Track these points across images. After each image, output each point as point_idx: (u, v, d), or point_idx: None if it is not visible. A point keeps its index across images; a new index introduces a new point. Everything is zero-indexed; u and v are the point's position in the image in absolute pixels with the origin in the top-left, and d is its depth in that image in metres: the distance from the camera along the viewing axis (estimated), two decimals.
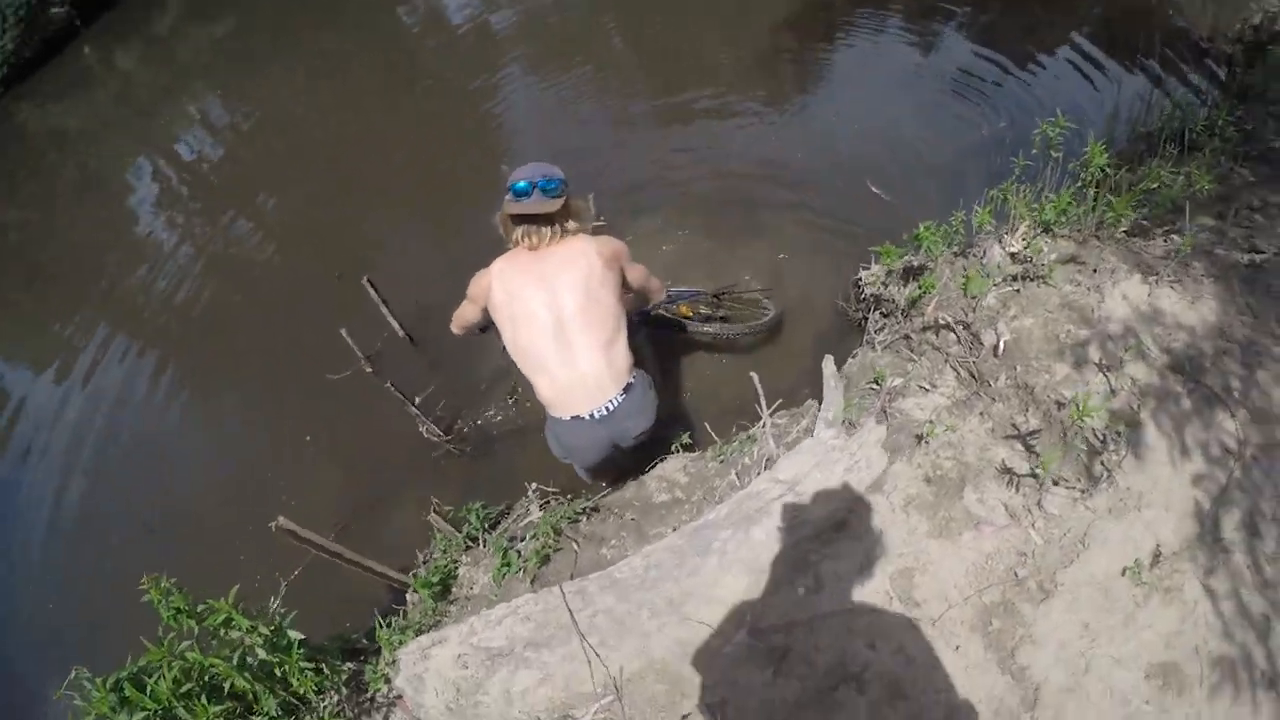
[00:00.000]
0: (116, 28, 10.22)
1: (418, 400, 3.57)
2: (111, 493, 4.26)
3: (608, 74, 6.15)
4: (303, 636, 2.31)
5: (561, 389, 2.56)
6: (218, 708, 2.13)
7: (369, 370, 4.03)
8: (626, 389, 2.60)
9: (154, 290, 5.59)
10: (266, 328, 4.83)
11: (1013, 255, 3.09)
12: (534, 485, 3.00)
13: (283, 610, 2.36)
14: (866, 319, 3.45)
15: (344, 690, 2.46)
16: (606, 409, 2.57)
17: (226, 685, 2.19)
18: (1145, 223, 3.19)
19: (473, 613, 2.51)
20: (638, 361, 2.71)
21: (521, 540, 2.76)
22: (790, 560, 2.28)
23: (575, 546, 2.69)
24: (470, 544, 2.89)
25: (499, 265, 2.59)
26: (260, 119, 7.47)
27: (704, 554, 2.32)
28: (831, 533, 2.33)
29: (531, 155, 2.76)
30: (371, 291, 3.90)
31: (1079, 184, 3.13)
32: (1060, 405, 2.48)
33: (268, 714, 2.21)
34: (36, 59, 9.91)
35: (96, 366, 5.10)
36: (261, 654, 2.24)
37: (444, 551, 2.87)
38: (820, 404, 2.79)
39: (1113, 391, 2.50)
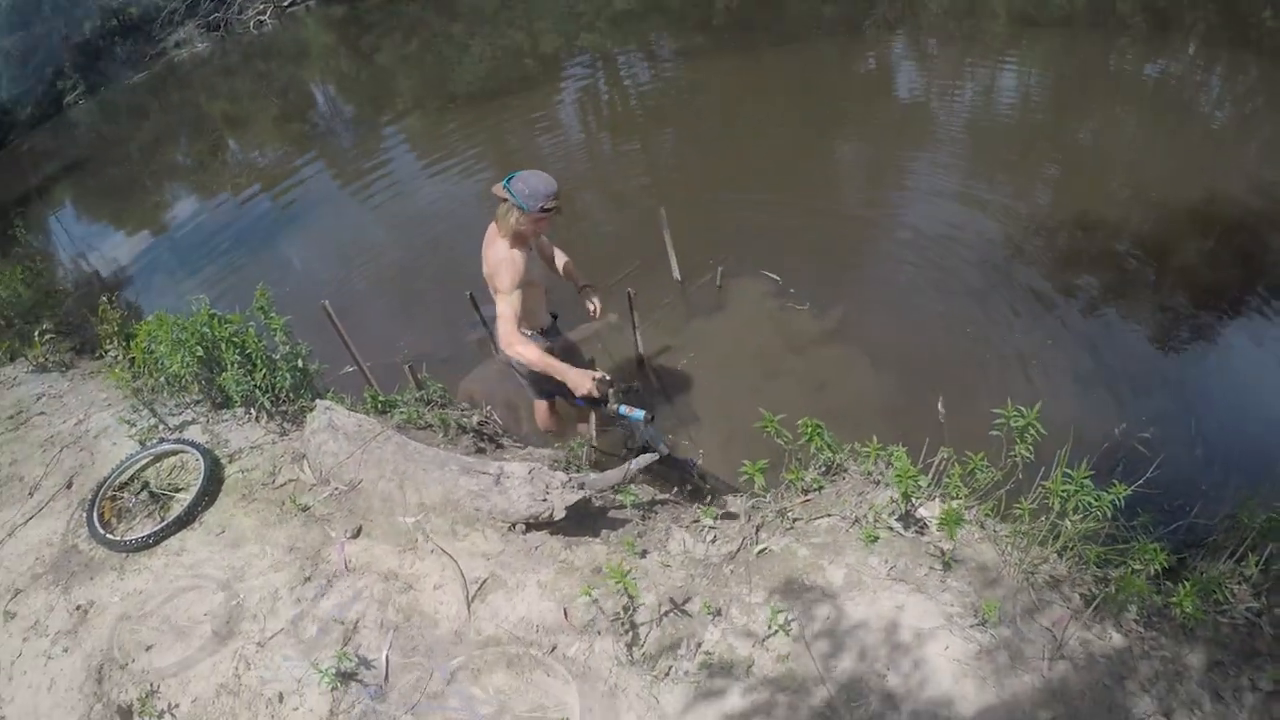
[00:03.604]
0: None
1: None
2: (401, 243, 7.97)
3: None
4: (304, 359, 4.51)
5: None
6: (236, 356, 4.39)
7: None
8: None
9: (530, 146, 8.88)
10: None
11: (908, 515, 3.54)
12: (489, 408, 4.67)
13: (308, 347, 4.55)
14: None
15: (300, 399, 4.54)
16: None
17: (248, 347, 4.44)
18: (1076, 585, 3.17)
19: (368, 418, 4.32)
20: None
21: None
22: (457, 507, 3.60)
23: (444, 434, 4.30)
24: (427, 402, 4.68)
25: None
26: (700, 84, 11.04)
27: (439, 468, 3.73)
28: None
29: None
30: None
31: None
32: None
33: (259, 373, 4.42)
34: None
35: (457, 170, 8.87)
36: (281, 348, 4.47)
37: (402, 393, 4.71)
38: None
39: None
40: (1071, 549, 3.10)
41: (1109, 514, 2.89)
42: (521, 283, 3.79)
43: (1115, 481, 2.90)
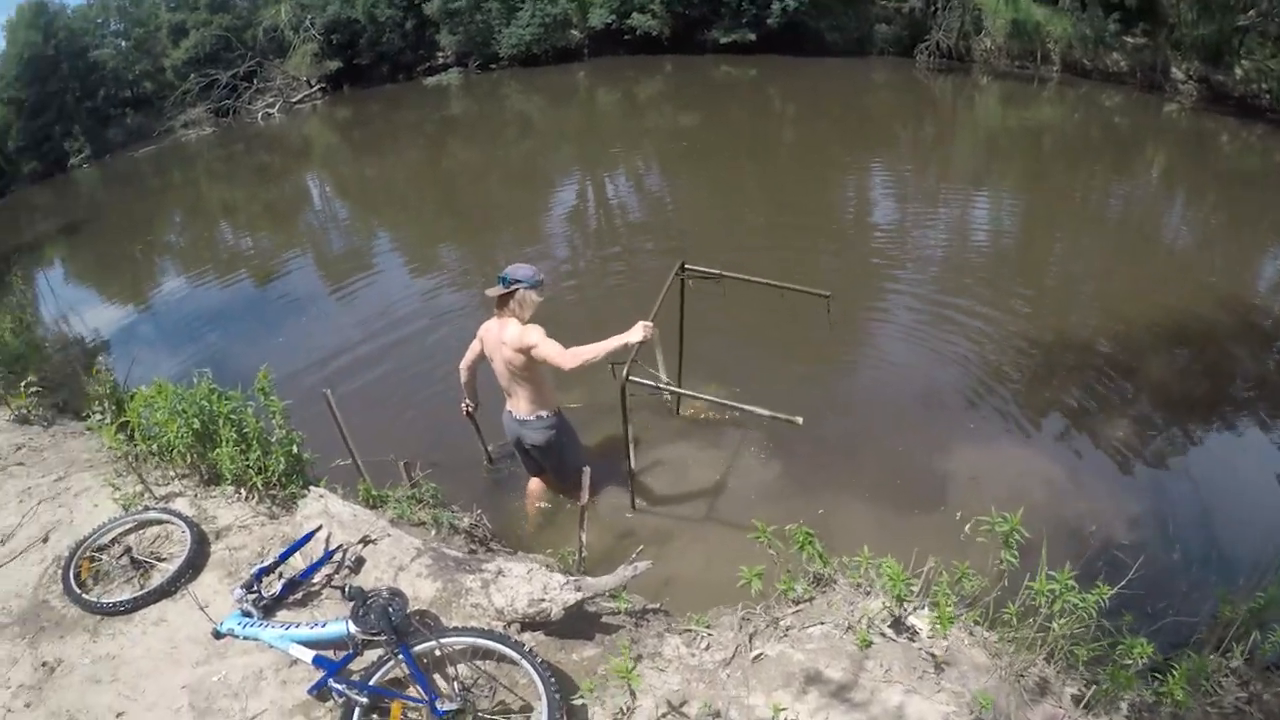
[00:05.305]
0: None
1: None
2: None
3: None
4: (299, 445, 4.50)
5: (507, 398, 4.94)
6: (233, 433, 4.39)
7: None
8: (538, 417, 4.87)
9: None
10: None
11: (900, 622, 3.55)
12: (479, 510, 4.76)
13: (303, 435, 4.56)
14: None
15: (291, 485, 4.52)
16: (520, 418, 4.90)
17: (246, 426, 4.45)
18: (1066, 684, 3.26)
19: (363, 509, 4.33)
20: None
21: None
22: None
23: (436, 532, 4.34)
24: (419, 500, 4.69)
25: (483, 325, 4.91)
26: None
27: (436, 561, 3.74)
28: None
29: None
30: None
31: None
32: None
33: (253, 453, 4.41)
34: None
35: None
36: (277, 431, 4.47)
37: (395, 489, 4.73)
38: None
39: None
40: (1059, 651, 3.19)
41: (1094, 615, 2.99)
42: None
43: (1099, 584, 3.03)
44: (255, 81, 24.31)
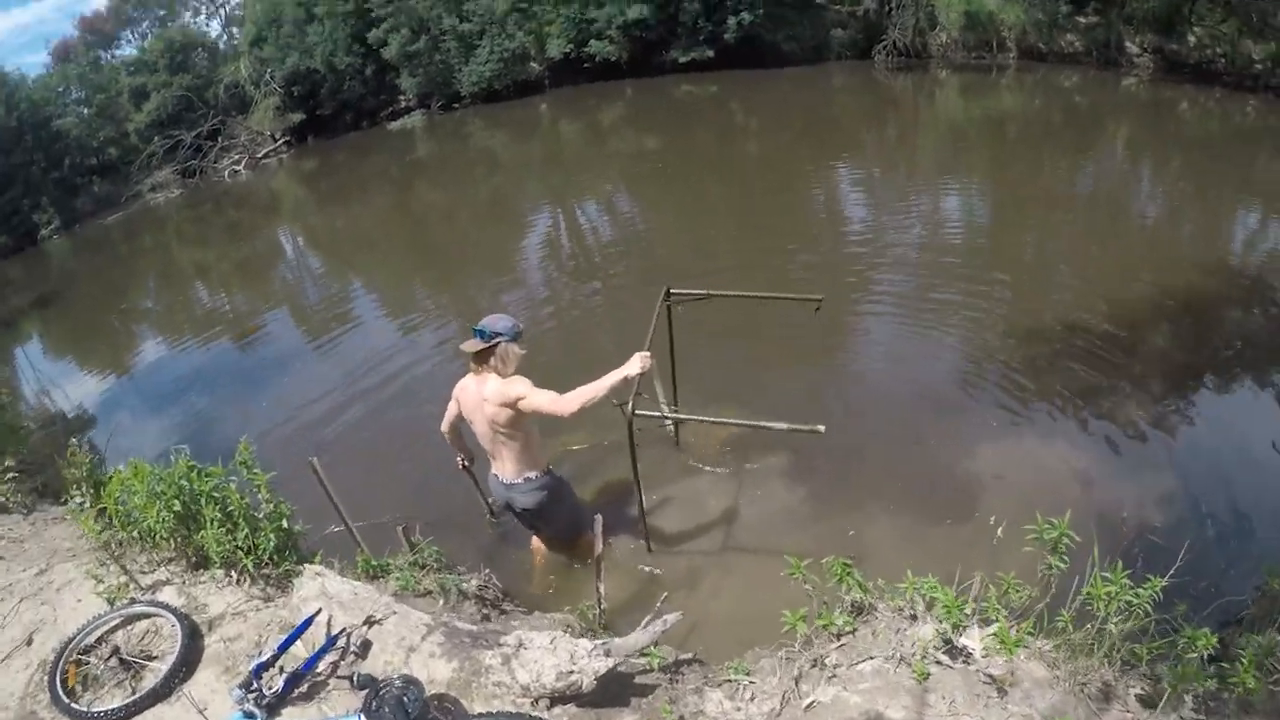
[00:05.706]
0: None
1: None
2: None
3: None
4: (289, 519, 4.14)
5: (492, 460, 4.51)
6: (217, 512, 4.04)
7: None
8: (526, 480, 4.41)
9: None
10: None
11: (951, 646, 3.29)
12: (486, 570, 4.43)
13: (291, 507, 4.21)
14: None
15: (284, 563, 4.16)
16: (507, 481, 4.45)
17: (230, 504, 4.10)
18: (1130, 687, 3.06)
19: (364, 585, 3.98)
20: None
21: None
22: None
23: (444, 601, 4.00)
24: (422, 566, 4.34)
25: (459, 384, 4.48)
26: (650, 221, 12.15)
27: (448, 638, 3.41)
28: None
29: None
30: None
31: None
32: None
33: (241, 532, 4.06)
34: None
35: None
36: (264, 506, 4.11)
37: (395, 556, 4.39)
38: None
39: None
40: (1118, 652, 3.01)
41: (1149, 610, 2.84)
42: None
43: (1146, 575, 2.87)
44: (219, 140, 23.99)
